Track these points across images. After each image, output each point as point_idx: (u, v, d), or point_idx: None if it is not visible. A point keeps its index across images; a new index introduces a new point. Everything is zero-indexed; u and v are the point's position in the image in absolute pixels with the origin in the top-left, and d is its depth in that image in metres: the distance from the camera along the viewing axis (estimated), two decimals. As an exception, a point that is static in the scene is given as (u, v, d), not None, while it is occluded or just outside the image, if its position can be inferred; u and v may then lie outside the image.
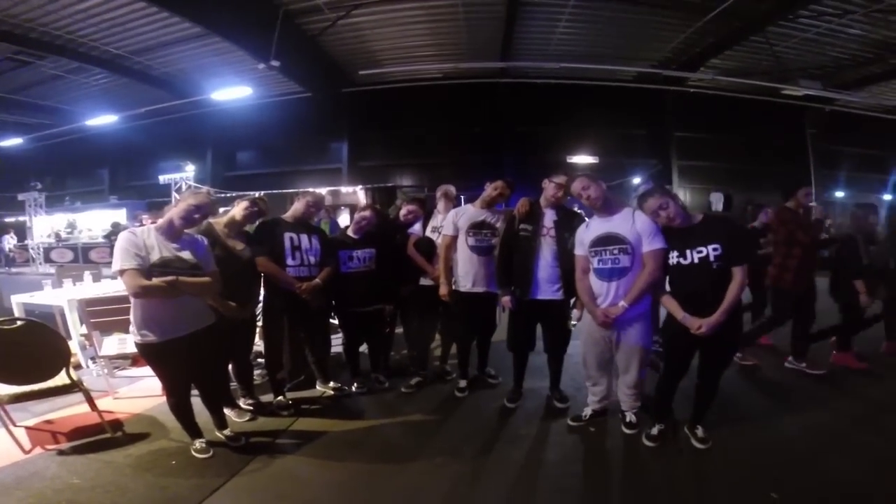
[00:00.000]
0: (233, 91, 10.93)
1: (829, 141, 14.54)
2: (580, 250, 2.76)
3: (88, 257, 14.05)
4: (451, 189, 3.89)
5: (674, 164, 13.89)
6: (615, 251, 2.60)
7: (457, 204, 3.82)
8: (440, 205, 3.80)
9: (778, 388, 3.61)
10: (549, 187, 3.07)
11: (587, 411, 2.98)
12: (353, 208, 8.58)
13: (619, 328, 2.68)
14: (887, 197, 15.72)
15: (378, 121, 14.04)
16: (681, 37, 10.39)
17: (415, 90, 13.12)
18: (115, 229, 12.82)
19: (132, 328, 2.39)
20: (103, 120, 13.11)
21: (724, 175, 13.85)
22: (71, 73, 11.76)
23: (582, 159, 13.46)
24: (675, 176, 13.87)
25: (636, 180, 13.11)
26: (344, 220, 9.02)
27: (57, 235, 15.99)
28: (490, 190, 3.38)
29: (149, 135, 15.05)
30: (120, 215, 14.87)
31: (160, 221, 2.44)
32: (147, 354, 2.45)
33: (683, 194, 14.21)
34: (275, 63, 9.35)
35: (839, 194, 15.32)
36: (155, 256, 2.30)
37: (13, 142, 14.98)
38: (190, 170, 12.50)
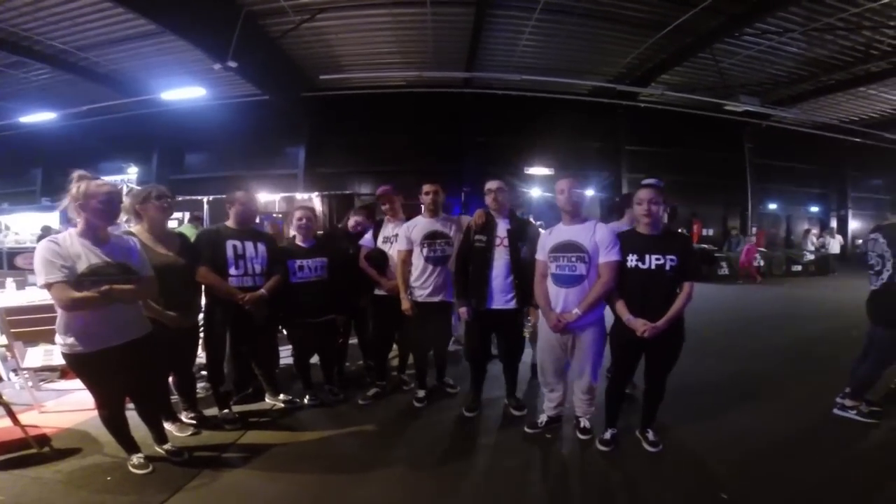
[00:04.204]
0: (185, 91, 10.35)
1: (764, 155, 15.60)
2: (541, 255, 2.81)
3: (14, 263, 12.93)
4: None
5: (624, 177, 14.45)
6: (573, 259, 2.66)
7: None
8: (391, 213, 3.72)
9: (726, 389, 3.78)
10: (486, 196, 3.13)
11: (542, 418, 3.01)
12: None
13: (574, 334, 2.73)
14: (814, 209, 17.13)
15: (337, 126, 13.78)
16: (635, 52, 10.81)
17: (376, 97, 13.02)
18: (46, 233, 11.91)
19: (58, 337, 2.21)
20: (40, 117, 12.13)
21: (671, 188, 14.42)
22: (8, 67, 10.87)
23: (539, 170, 13.76)
24: (624, 188, 14.41)
25: (589, 192, 13.53)
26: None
27: (-21, 239, 14.62)
28: (422, 196, 3.38)
29: (90, 134, 14.07)
30: (52, 218, 13.80)
31: (79, 226, 2.22)
32: (75, 365, 2.26)
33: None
34: (232, 64, 9.00)
35: (772, 206, 16.50)
36: (83, 265, 2.13)
37: (-62, 138, 13.67)
38: (132, 172, 11.80)
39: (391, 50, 10.98)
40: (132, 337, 2.32)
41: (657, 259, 2.49)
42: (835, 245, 14.12)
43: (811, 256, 13.47)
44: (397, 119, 13.52)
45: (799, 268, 13.22)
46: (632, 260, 2.55)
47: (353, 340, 4.03)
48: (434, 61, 11.09)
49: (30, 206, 15.49)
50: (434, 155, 13.71)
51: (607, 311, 2.74)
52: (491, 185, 3.10)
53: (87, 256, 2.16)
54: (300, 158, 14.09)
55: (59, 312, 2.18)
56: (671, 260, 2.47)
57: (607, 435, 2.78)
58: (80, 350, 2.19)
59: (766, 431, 3.01)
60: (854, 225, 17.41)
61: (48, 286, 2.07)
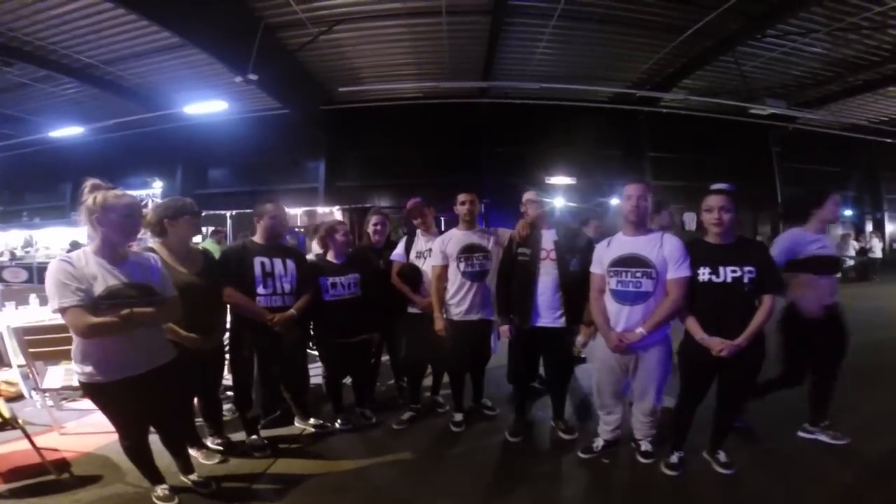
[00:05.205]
0: (207, 105, 10.49)
1: (792, 159, 15.09)
2: (597, 268, 2.59)
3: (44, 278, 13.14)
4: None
5: (649, 184, 14.07)
6: (638, 274, 2.43)
7: (438, 226, 3.58)
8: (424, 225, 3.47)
9: (791, 407, 3.35)
10: (524, 207, 3.01)
11: (599, 442, 2.76)
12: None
13: (637, 354, 2.49)
14: (848, 212, 16.44)
15: (356, 140, 13.79)
16: (655, 57, 10.60)
17: (394, 109, 12.96)
18: (74, 248, 12.07)
19: (74, 365, 2.03)
20: (69, 131, 12.41)
21: (696, 194, 13.97)
22: (38, 81, 11.13)
23: (561, 180, 13.49)
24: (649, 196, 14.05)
25: (614, 201, 13.18)
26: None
27: (11, 253, 14.96)
28: (458, 207, 3.16)
29: (116, 148, 14.38)
30: (80, 233, 14.06)
31: (95, 242, 2.02)
32: (93, 395, 2.08)
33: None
34: (252, 77, 9.05)
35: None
36: (100, 287, 1.92)
37: (-30, 153, 14.10)
38: (157, 186, 11.93)
39: (408, 61, 10.92)
40: (155, 364, 2.12)
41: (733, 271, 2.24)
42: (877, 248, 13.44)
43: (851, 262, 12.84)
44: (415, 131, 13.44)
45: (838, 274, 12.57)
46: (704, 273, 2.31)
47: (385, 357, 3.82)
48: (450, 71, 11.01)
49: (60, 220, 15.90)
50: (453, 166, 13.56)
51: (673, 325, 2.49)
52: (527, 195, 3.01)
53: (104, 277, 1.95)
54: (320, 172, 14.11)
55: (75, 339, 1.98)
56: (749, 272, 2.23)
57: (674, 458, 2.52)
58: (98, 380, 1.99)
59: (847, 453, 2.71)
60: (891, 227, 16.71)
61: (62, 311, 1.87)
